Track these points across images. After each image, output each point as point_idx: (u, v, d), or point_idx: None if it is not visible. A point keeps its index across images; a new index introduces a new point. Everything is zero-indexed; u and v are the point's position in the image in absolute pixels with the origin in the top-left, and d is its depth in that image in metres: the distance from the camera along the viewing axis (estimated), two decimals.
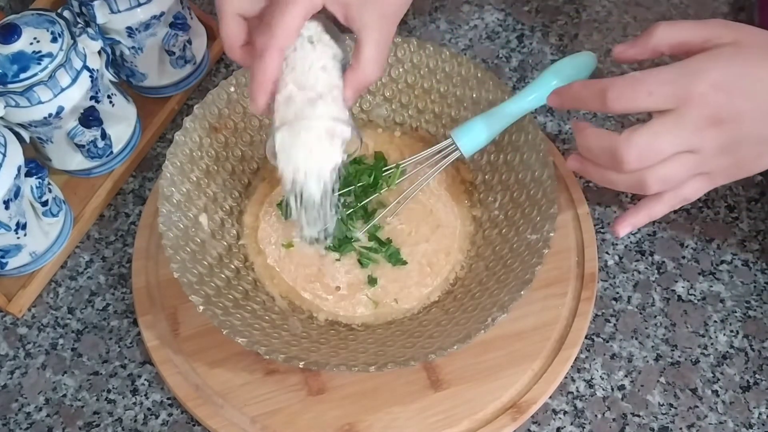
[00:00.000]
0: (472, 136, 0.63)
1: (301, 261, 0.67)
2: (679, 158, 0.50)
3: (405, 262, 0.67)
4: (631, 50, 0.52)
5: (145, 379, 0.66)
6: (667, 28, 0.51)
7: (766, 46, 0.49)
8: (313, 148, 0.54)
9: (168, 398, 0.65)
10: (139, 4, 0.71)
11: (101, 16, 0.70)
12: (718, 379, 0.64)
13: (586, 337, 0.65)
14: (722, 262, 0.70)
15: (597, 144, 0.51)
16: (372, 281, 0.66)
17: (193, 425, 0.63)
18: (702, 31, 0.50)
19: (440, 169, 0.66)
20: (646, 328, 0.67)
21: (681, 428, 0.62)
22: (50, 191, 0.69)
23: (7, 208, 0.63)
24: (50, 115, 0.66)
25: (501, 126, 0.63)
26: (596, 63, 0.62)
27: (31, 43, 0.66)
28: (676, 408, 0.63)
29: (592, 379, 0.64)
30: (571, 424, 0.63)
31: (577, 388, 0.64)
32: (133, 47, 0.74)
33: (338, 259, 0.67)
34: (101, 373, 0.66)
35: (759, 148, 0.51)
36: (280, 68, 0.53)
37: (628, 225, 0.56)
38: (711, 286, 0.68)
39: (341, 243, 0.66)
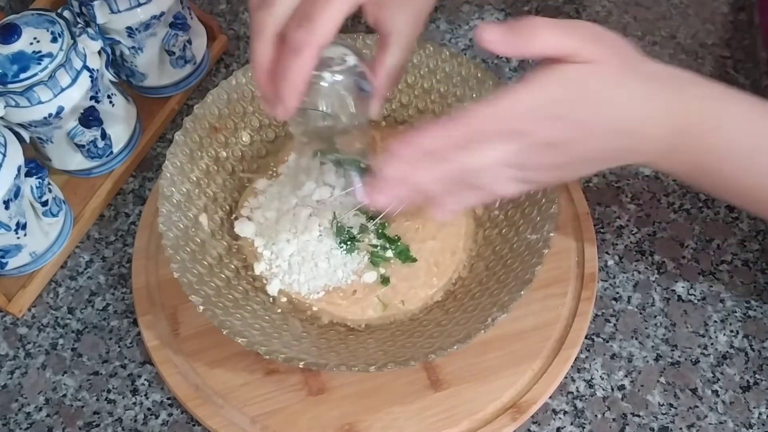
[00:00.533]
0: None
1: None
2: (499, 166, 0.48)
3: (415, 259, 0.66)
4: (503, 46, 0.46)
5: (145, 379, 0.66)
6: (548, 37, 0.46)
7: (619, 68, 0.47)
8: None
9: (168, 398, 0.65)
10: (139, 4, 0.71)
11: (101, 16, 0.70)
12: (718, 379, 0.64)
13: (586, 337, 0.65)
14: (722, 262, 0.70)
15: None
16: (385, 281, 0.66)
17: (193, 425, 0.63)
18: (570, 42, 0.46)
19: None
20: (646, 328, 0.67)
21: (681, 428, 0.62)
22: (50, 191, 0.69)
23: (7, 208, 0.63)
24: (50, 115, 0.66)
25: None
26: None
27: (31, 43, 0.66)
28: (676, 408, 0.63)
29: (592, 379, 0.64)
30: (571, 424, 0.63)
31: (577, 388, 0.64)
32: (133, 47, 0.74)
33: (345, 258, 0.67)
34: (101, 373, 0.66)
35: (586, 163, 0.50)
36: (313, 68, 0.49)
37: (444, 212, 0.52)
38: (711, 286, 0.68)
39: (349, 240, 0.66)
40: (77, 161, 0.73)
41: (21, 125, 0.67)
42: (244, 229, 0.68)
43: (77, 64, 0.67)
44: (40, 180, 0.66)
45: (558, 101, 0.46)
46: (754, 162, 0.50)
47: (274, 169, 0.72)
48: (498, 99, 0.46)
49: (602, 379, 0.64)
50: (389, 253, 0.66)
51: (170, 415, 0.64)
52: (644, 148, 0.50)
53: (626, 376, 0.65)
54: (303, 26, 0.47)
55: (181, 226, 0.65)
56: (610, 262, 0.70)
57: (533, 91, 0.46)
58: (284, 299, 0.66)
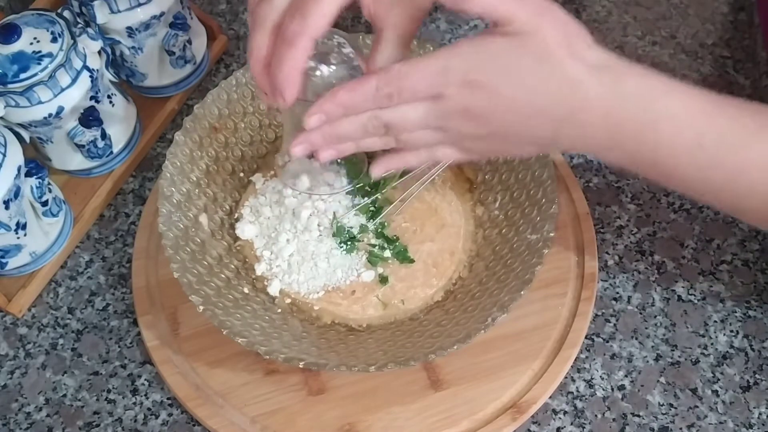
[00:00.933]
0: None
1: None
2: (421, 127, 0.50)
3: (412, 260, 0.66)
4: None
5: (145, 379, 0.66)
6: None
7: (556, 47, 0.47)
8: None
9: (168, 398, 0.65)
10: (139, 4, 0.71)
11: (101, 16, 0.70)
12: (718, 379, 0.64)
13: (586, 337, 0.65)
14: (722, 262, 0.70)
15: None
16: (383, 280, 0.66)
17: (193, 425, 0.63)
18: (507, 6, 0.46)
19: (441, 168, 0.66)
20: (646, 328, 0.67)
21: (681, 428, 0.62)
22: (50, 191, 0.69)
23: (7, 208, 0.63)
24: (50, 115, 0.66)
25: None
26: None
27: (31, 43, 0.66)
28: (676, 408, 0.63)
29: (592, 379, 0.64)
30: (571, 424, 0.63)
31: (577, 388, 0.64)
32: (133, 47, 0.74)
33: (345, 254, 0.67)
34: (101, 373, 0.66)
35: (514, 139, 0.51)
36: (307, 59, 0.50)
37: (381, 167, 0.54)
38: (711, 286, 0.68)
39: (348, 240, 0.66)
40: (77, 161, 0.73)
41: (21, 125, 0.67)
42: (245, 230, 0.68)
43: (77, 64, 0.67)
44: (40, 180, 0.66)
45: (478, 69, 0.46)
46: (695, 157, 0.49)
47: (275, 168, 0.72)
48: (419, 59, 0.47)
49: (602, 379, 0.64)
50: (387, 253, 0.66)
51: (170, 415, 0.64)
52: (580, 134, 0.49)
53: (626, 376, 0.65)
54: (297, 18, 0.48)
55: (181, 226, 0.65)
56: (610, 262, 0.70)
57: (454, 55, 0.47)
58: (288, 300, 0.66)
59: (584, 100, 0.48)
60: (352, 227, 0.67)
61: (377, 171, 0.55)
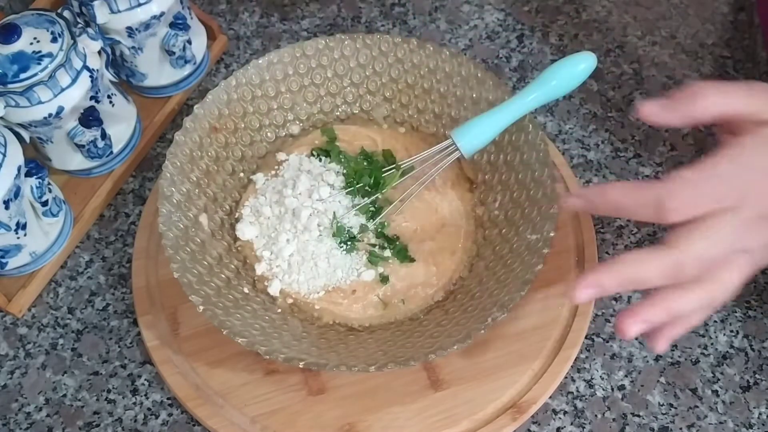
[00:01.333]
0: (472, 136, 0.63)
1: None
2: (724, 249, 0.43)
3: (413, 260, 0.66)
4: (665, 114, 0.44)
5: (145, 379, 0.66)
6: (716, 98, 0.44)
7: None
8: None
9: (168, 398, 0.65)
10: (139, 4, 0.71)
11: (101, 16, 0.70)
12: (718, 379, 0.64)
13: (586, 337, 0.65)
14: None
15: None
16: (384, 279, 0.66)
17: (193, 425, 0.63)
18: (751, 101, 0.43)
19: (440, 169, 0.66)
20: None
21: (681, 428, 0.62)
22: (50, 191, 0.69)
23: (7, 208, 0.63)
24: (50, 115, 0.66)
25: (501, 126, 0.63)
26: (596, 63, 0.62)
27: (31, 43, 0.66)
28: (676, 408, 0.63)
29: (592, 379, 0.65)
30: (571, 424, 0.63)
31: (577, 388, 0.64)
32: (133, 47, 0.74)
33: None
34: (101, 373, 0.66)
35: None
36: None
37: (638, 322, 0.45)
38: None
39: (349, 240, 0.67)
40: (77, 161, 0.73)
41: (21, 125, 0.67)
42: (245, 231, 0.68)
43: (77, 64, 0.67)
44: (40, 180, 0.66)
45: (760, 168, 0.42)
46: None
47: (276, 168, 0.72)
48: (701, 163, 0.42)
49: (602, 379, 0.64)
50: (387, 253, 0.67)
51: (170, 415, 0.64)
52: None
53: (626, 376, 0.65)
54: None
55: (181, 226, 0.65)
56: None
57: (731, 160, 0.42)
58: (288, 300, 0.66)
59: None
60: (352, 227, 0.67)
61: (630, 331, 0.46)
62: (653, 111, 0.44)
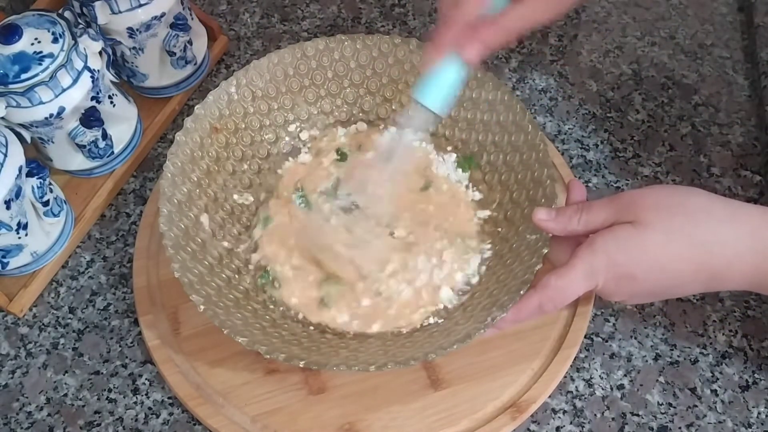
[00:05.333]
0: (435, 92, 0.59)
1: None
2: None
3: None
4: (551, 224, 0.58)
5: (146, 379, 0.66)
6: (586, 219, 0.56)
7: (658, 226, 0.53)
8: None
9: (169, 397, 0.65)
10: (140, 5, 0.71)
11: (102, 16, 0.70)
12: (717, 379, 0.64)
13: (585, 337, 0.66)
14: None
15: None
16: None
17: (194, 425, 0.64)
18: (610, 215, 0.55)
19: (417, 137, 0.67)
20: (645, 328, 0.67)
21: (680, 427, 0.62)
22: (51, 191, 0.69)
23: (8, 208, 0.63)
24: (51, 115, 0.67)
25: (459, 74, 0.59)
26: None
27: (32, 44, 0.66)
28: (675, 407, 0.63)
29: (591, 378, 0.65)
30: (571, 423, 0.63)
31: (576, 387, 0.64)
32: (134, 48, 0.74)
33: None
34: (102, 373, 0.66)
35: (653, 294, 0.58)
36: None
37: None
38: None
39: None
40: (78, 161, 0.74)
41: (22, 125, 0.67)
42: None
43: (78, 64, 0.67)
44: (42, 180, 0.67)
45: (618, 262, 0.54)
46: None
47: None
48: (569, 268, 0.55)
49: (601, 378, 0.65)
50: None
51: (171, 414, 0.64)
52: (728, 286, 0.55)
53: (625, 375, 0.65)
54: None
55: (182, 226, 0.65)
56: None
57: (594, 254, 0.55)
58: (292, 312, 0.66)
59: (726, 261, 0.53)
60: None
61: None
62: (543, 218, 0.58)
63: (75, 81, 0.67)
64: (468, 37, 0.57)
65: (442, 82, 0.59)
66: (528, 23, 0.58)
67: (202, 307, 0.60)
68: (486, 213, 0.70)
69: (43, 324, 0.69)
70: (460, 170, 0.72)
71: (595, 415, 0.63)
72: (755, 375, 0.64)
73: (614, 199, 0.56)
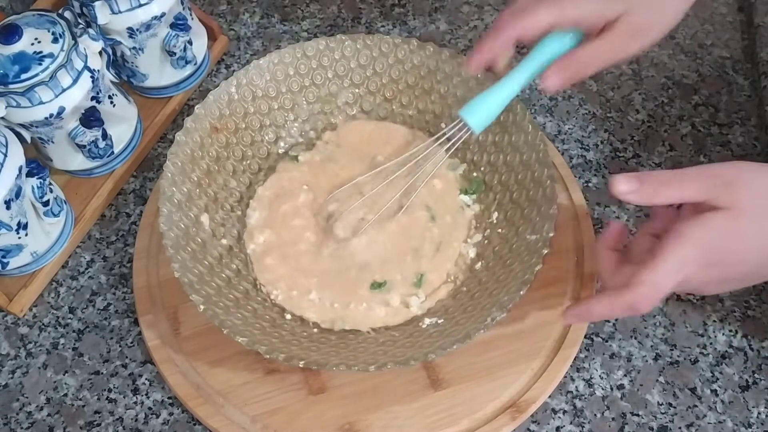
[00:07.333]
0: (480, 112, 0.63)
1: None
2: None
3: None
4: (632, 196, 0.53)
5: (146, 379, 0.66)
6: (676, 194, 0.52)
7: (755, 212, 0.51)
8: None
9: (169, 397, 0.65)
10: (140, 5, 0.71)
11: (102, 16, 0.70)
12: (717, 379, 0.64)
13: (585, 337, 0.66)
14: None
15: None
16: (379, 285, 0.66)
17: (194, 424, 0.64)
18: (703, 191, 0.52)
19: (453, 149, 0.67)
20: (645, 328, 0.67)
21: (680, 427, 0.62)
22: (51, 191, 0.69)
23: (8, 208, 0.63)
24: (51, 115, 0.67)
25: (505, 99, 0.63)
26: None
27: (32, 44, 0.66)
28: (675, 407, 0.63)
29: (591, 378, 0.65)
30: (571, 423, 0.63)
31: (576, 387, 0.64)
32: (134, 48, 0.75)
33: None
34: (102, 373, 0.66)
35: (743, 279, 0.55)
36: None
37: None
38: None
39: None
40: (78, 161, 0.74)
41: (22, 125, 0.67)
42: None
43: (78, 64, 0.67)
44: (42, 180, 0.67)
45: (708, 251, 0.52)
46: None
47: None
48: (659, 262, 0.51)
49: (601, 378, 0.65)
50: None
51: (171, 414, 0.64)
52: None
53: (625, 375, 0.65)
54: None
55: (182, 225, 0.65)
56: None
57: (684, 246, 0.51)
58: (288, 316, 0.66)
59: None
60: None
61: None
62: (622, 189, 0.53)
63: (75, 81, 0.67)
64: (557, 67, 0.59)
65: (492, 106, 0.63)
66: (608, 59, 0.59)
67: (202, 307, 0.60)
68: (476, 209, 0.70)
69: (43, 324, 0.69)
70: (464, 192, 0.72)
71: (595, 415, 0.63)
72: (755, 375, 0.65)
73: (708, 175, 0.52)
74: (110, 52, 0.72)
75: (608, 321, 0.67)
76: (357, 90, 0.75)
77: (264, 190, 0.72)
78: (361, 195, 0.69)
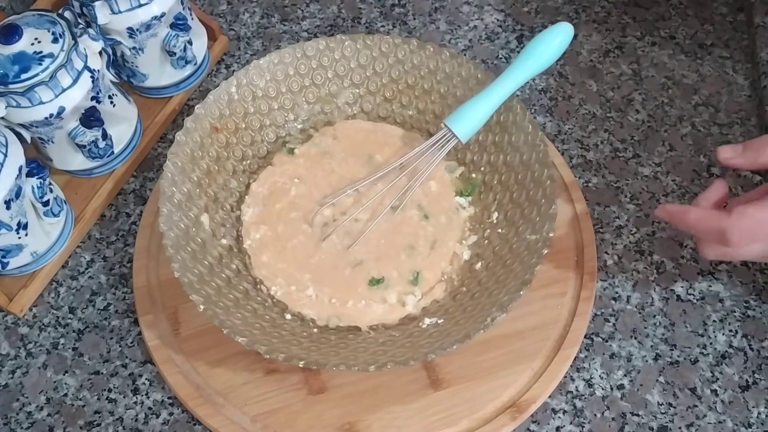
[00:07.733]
0: (466, 121, 0.65)
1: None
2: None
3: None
4: (738, 160, 0.56)
5: (146, 379, 0.66)
6: None
7: None
8: None
9: (169, 397, 0.65)
10: (140, 5, 0.71)
11: (102, 16, 0.70)
12: (717, 379, 0.64)
13: (585, 337, 0.66)
14: (721, 261, 0.70)
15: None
16: (377, 281, 0.66)
17: (194, 424, 0.64)
18: None
19: (439, 159, 0.67)
20: (645, 328, 0.67)
21: (680, 427, 0.62)
22: (51, 191, 0.69)
23: (8, 208, 0.63)
24: (51, 115, 0.67)
25: (491, 107, 0.66)
26: (573, 32, 0.65)
27: (32, 44, 0.66)
28: (675, 407, 0.63)
29: (591, 378, 0.65)
30: (571, 423, 0.63)
31: (576, 387, 0.64)
32: (134, 48, 0.75)
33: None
34: (102, 373, 0.66)
35: None
36: None
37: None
38: (710, 286, 0.69)
39: None
40: (78, 161, 0.74)
41: (22, 125, 0.67)
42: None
43: (78, 64, 0.67)
44: (42, 180, 0.67)
45: None
46: None
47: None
48: (765, 203, 0.53)
49: (601, 378, 0.65)
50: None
51: (171, 414, 0.64)
52: None
53: (625, 375, 0.65)
54: None
55: (182, 225, 0.65)
56: (609, 262, 0.70)
57: None
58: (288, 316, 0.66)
59: None
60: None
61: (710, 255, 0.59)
62: (729, 156, 0.56)
63: (75, 81, 0.67)
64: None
65: (477, 117, 0.65)
66: None
67: (202, 307, 0.60)
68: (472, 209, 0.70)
69: (43, 324, 0.69)
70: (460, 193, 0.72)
71: (595, 415, 0.63)
72: (755, 375, 0.65)
73: None
74: (110, 52, 0.72)
75: (608, 321, 0.67)
76: (357, 90, 0.75)
77: (258, 185, 0.71)
78: (355, 201, 0.69)
